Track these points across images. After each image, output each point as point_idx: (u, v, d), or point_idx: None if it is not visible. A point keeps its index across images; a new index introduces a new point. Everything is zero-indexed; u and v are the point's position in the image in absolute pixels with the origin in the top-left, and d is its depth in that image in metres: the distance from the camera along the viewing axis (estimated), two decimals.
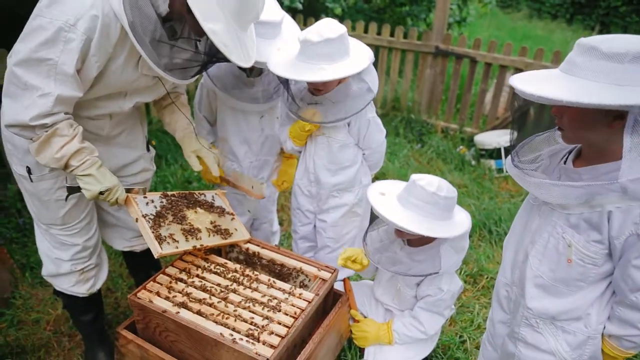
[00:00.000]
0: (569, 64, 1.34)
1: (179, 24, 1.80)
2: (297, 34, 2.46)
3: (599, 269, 1.49)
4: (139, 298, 1.93)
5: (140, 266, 2.60)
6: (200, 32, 1.71)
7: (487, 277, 3.27)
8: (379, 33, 5.55)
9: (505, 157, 5.03)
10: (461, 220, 2.07)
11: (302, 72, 2.06)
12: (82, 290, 2.23)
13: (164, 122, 2.36)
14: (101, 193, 1.83)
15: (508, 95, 5.31)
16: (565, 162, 1.55)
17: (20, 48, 1.63)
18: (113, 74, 1.80)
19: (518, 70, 4.95)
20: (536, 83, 1.34)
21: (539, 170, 1.59)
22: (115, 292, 3.06)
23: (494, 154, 4.87)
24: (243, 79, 2.44)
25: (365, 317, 2.41)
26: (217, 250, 2.28)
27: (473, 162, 4.94)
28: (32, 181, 1.92)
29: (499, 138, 4.89)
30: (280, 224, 3.83)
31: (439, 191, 1.94)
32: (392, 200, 2.04)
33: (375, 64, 6.13)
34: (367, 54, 2.19)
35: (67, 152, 1.73)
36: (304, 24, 5.83)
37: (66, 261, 2.14)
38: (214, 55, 1.81)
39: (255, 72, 2.42)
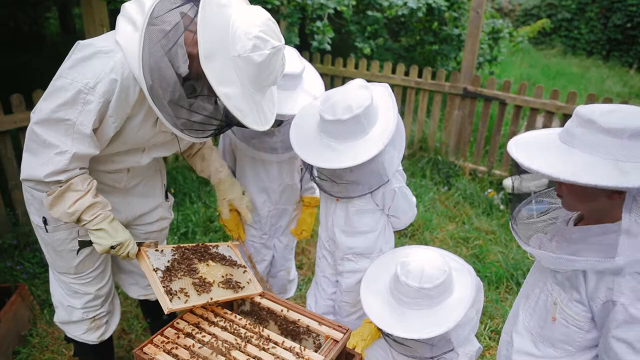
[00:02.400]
0: (568, 134, 1.31)
1: (199, 82, 1.81)
2: (318, 84, 2.46)
3: (586, 334, 1.42)
4: (144, 353, 1.88)
5: (156, 314, 2.57)
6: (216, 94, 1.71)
7: None
8: (406, 73, 5.54)
9: (536, 202, 4.85)
10: (461, 296, 1.96)
11: (310, 150, 2.09)
12: (92, 337, 2.22)
13: (197, 170, 2.39)
14: (112, 247, 1.82)
15: None
16: (569, 221, 1.53)
17: (42, 107, 1.67)
18: (131, 132, 1.82)
19: (549, 113, 4.84)
20: (535, 154, 1.32)
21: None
22: (129, 333, 3.04)
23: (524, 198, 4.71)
24: None
25: None
26: (229, 304, 2.23)
27: (502, 207, 4.78)
28: (47, 231, 1.94)
29: (529, 182, 4.74)
30: (300, 267, 3.78)
31: (424, 284, 1.86)
32: (384, 296, 1.99)
33: (402, 104, 6.07)
34: (384, 137, 2.01)
35: (80, 207, 1.74)
36: (332, 64, 5.89)
37: (78, 309, 2.14)
38: (229, 117, 1.81)
39: (275, 122, 2.42)
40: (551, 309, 1.48)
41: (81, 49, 1.68)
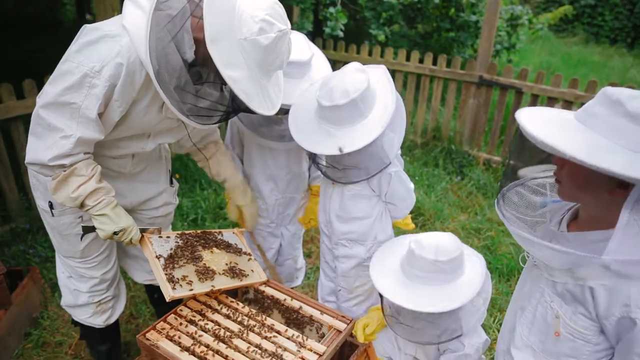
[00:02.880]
0: (585, 112, 1.22)
1: (205, 68, 1.79)
2: (327, 72, 2.41)
3: (594, 346, 1.34)
4: (147, 339, 1.89)
5: (161, 299, 2.59)
6: (222, 79, 1.69)
7: None
8: (421, 61, 5.44)
9: (550, 193, 4.73)
10: (473, 276, 1.92)
11: (308, 136, 2.07)
12: (98, 321, 2.25)
13: (211, 174, 2.38)
14: (115, 233, 1.83)
15: None
16: (561, 221, 1.43)
17: (48, 90, 1.67)
18: (136, 117, 1.81)
19: (567, 102, 4.71)
20: (545, 126, 1.22)
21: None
22: (137, 318, 3.07)
23: None
24: (270, 116, 2.40)
25: None
26: (233, 291, 2.23)
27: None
28: (53, 215, 1.95)
29: (544, 173, 4.63)
30: (309, 255, 3.76)
31: (439, 257, 1.83)
32: (395, 274, 1.95)
33: (416, 92, 5.92)
34: (382, 121, 1.97)
35: (84, 191, 1.74)
36: (345, 51, 5.81)
37: (84, 293, 2.16)
38: (236, 102, 1.78)
39: (282, 110, 2.38)
40: (552, 322, 1.39)
41: (88, 32, 1.67)
